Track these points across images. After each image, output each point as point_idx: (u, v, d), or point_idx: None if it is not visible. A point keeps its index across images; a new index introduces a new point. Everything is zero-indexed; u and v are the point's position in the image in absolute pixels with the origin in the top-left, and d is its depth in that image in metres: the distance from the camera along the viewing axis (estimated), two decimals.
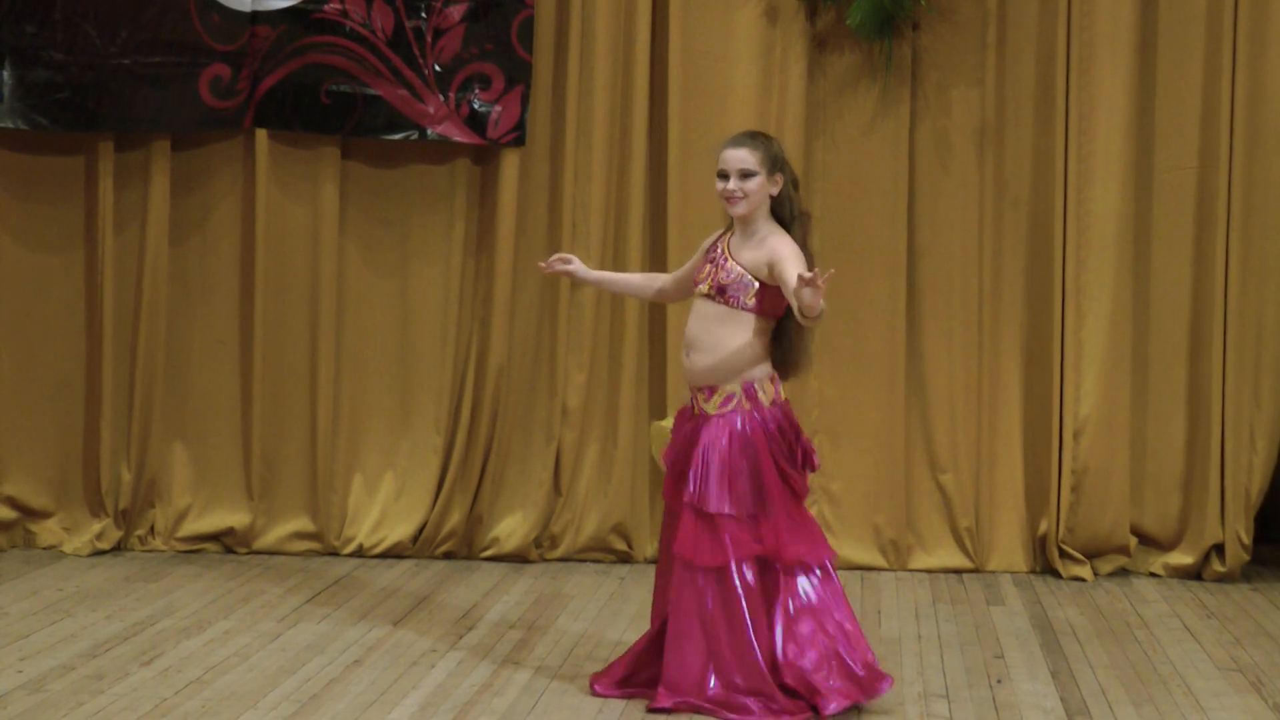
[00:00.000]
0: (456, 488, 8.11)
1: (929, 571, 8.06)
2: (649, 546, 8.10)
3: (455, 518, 8.10)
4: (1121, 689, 6.14)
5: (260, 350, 8.11)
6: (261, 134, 8.04)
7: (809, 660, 5.76)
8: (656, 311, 8.07)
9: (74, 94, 7.97)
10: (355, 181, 8.18)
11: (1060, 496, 7.98)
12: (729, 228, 5.97)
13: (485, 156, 8.11)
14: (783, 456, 5.80)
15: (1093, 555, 8.01)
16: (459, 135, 8.00)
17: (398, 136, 8.02)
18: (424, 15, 7.96)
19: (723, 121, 8.04)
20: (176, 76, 7.97)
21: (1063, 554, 7.98)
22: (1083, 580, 7.91)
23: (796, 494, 5.85)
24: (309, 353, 8.16)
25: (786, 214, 5.86)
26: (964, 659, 6.52)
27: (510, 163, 8.01)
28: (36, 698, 5.76)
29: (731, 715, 5.69)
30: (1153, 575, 8.05)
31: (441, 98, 7.98)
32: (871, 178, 8.08)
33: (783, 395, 5.88)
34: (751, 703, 5.70)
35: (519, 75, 7.98)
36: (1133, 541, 8.05)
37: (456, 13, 7.96)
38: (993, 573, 8.06)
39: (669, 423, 6.06)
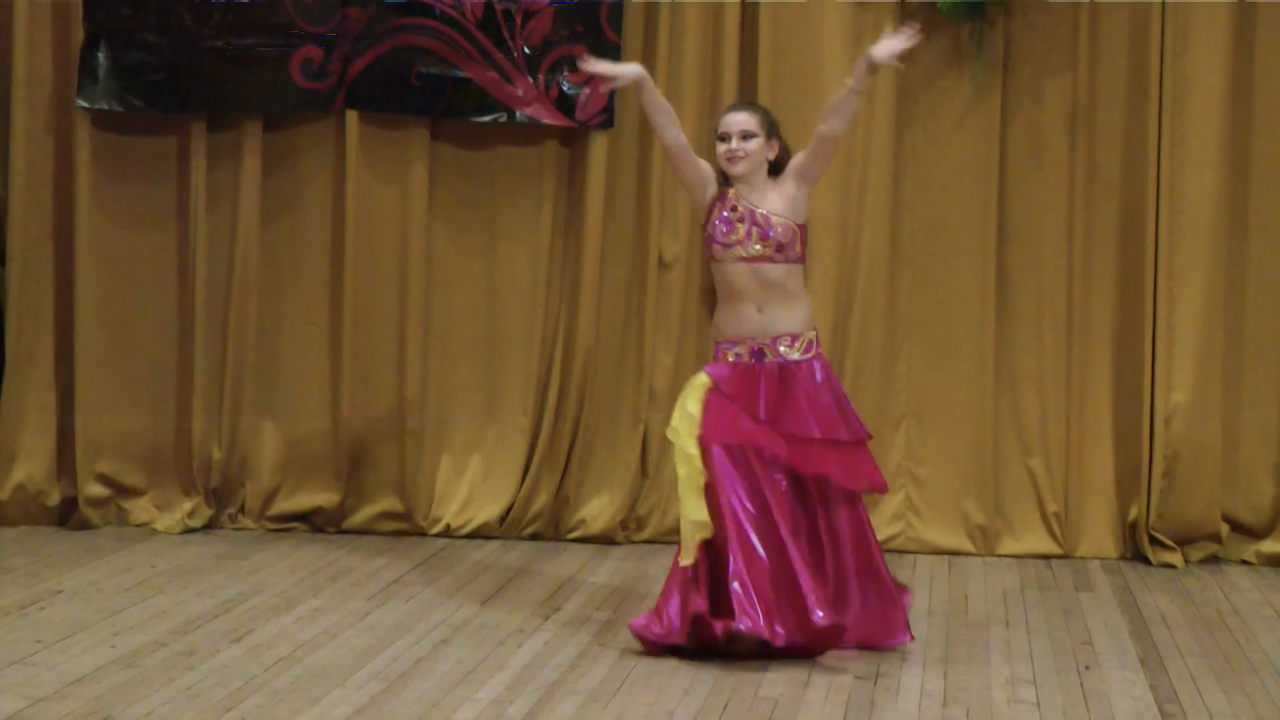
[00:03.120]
0: (544, 469, 8.13)
1: (1017, 557, 8.01)
2: None
3: (542, 499, 8.12)
4: (1212, 677, 6.08)
5: (349, 331, 8.16)
6: (352, 115, 8.08)
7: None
8: None
9: (168, 76, 8.03)
10: (444, 163, 8.20)
11: (1151, 482, 7.91)
12: (723, 188, 6.29)
13: (574, 139, 8.12)
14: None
15: (1184, 542, 7.93)
16: (548, 117, 8.01)
17: (487, 119, 8.04)
18: None
19: (812, 107, 7.98)
20: (268, 58, 8.02)
21: (1153, 541, 7.91)
22: (1173, 567, 7.84)
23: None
24: (397, 334, 8.20)
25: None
26: (1052, 645, 6.48)
27: (599, 145, 8.01)
28: (129, 673, 5.82)
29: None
30: (1245, 563, 7.96)
31: (530, 80, 7.99)
32: (962, 162, 8.03)
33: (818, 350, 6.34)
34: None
35: (608, 57, 7.95)
36: (1225, 529, 7.97)
37: None
38: (1082, 559, 8.00)
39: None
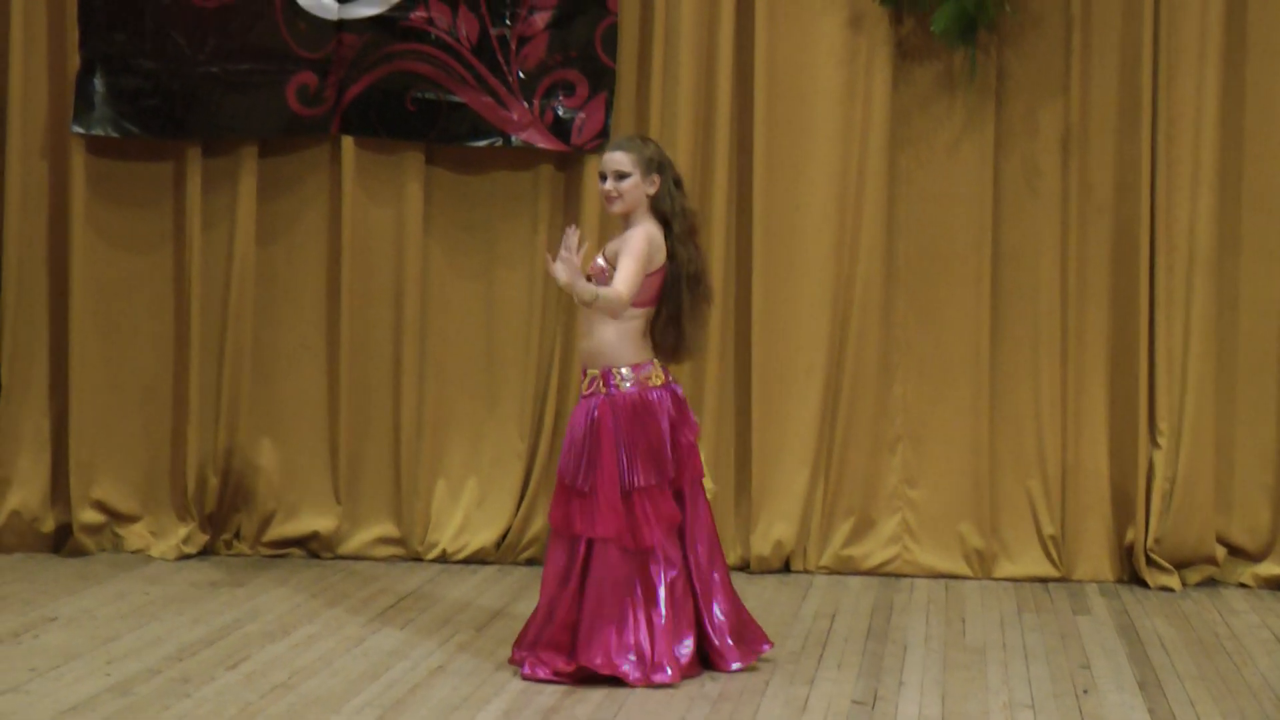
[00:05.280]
0: (540, 494, 8.12)
1: (1014, 580, 8.00)
2: (731, 554, 8.09)
3: (538, 524, 8.10)
4: (1210, 700, 6.07)
5: (346, 355, 8.15)
6: (347, 141, 8.08)
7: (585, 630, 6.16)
8: (742, 315, 8.07)
9: (163, 101, 8.04)
10: (440, 187, 8.21)
11: (1149, 505, 7.91)
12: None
13: (568, 163, 8.13)
14: (626, 441, 6.17)
15: (1181, 565, 7.92)
16: (543, 142, 8.02)
17: (482, 143, 8.05)
18: (508, 23, 7.98)
19: (808, 129, 8.03)
20: (264, 84, 8.03)
21: (1150, 563, 7.91)
22: (1170, 590, 7.83)
23: (633, 477, 6.17)
24: (393, 357, 8.20)
25: (666, 209, 6.26)
26: (1050, 669, 6.47)
27: (594, 169, 7.98)
28: (124, 700, 5.81)
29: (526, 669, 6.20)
30: (1242, 586, 7.96)
31: (526, 105, 8.00)
32: (956, 185, 8.04)
33: (656, 380, 6.24)
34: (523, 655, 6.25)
35: (602, 82, 7.99)
36: (1221, 552, 7.96)
37: (541, 20, 7.98)
38: (1079, 582, 7.99)
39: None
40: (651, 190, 6.26)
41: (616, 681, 6.08)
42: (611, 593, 6.15)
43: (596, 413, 6.19)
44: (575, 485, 6.20)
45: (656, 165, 6.28)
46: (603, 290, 6.07)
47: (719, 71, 8.01)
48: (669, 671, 6.11)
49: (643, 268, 6.15)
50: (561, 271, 6.01)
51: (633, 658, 6.11)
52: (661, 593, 6.17)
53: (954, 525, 8.07)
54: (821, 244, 8.04)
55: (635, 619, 6.15)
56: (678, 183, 6.34)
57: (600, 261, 6.28)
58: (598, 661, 6.10)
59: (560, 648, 6.17)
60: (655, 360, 6.30)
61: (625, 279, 6.11)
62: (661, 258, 6.24)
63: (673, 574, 6.22)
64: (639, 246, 6.17)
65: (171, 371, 8.26)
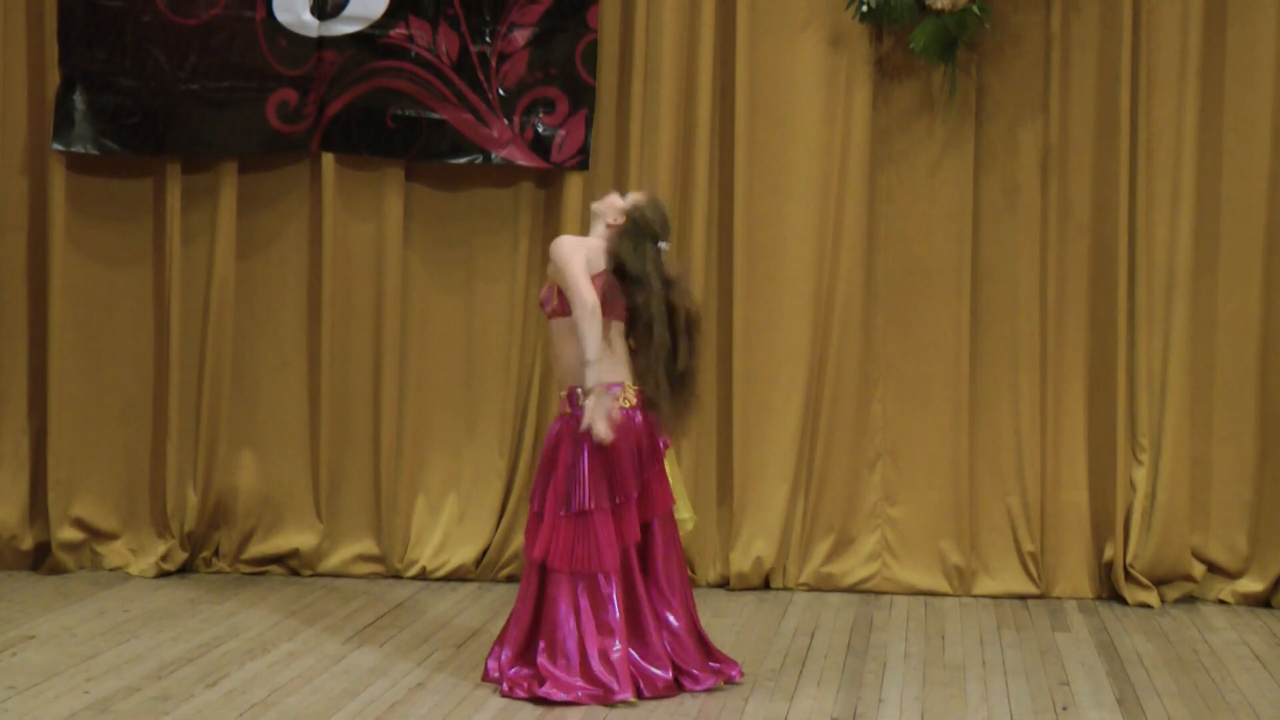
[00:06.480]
0: (519, 510, 8.11)
1: (993, 597, 8.01)
2: (711, 570, 8.10)
3: (518, 541, 8.10)
4: (1189, 717, 6.08)
5: (326, 371, 8.15)
6: (327, 157, 8.08)
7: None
8: (723, 332, 8.07)
9: (144, 118, 8.04)
10: (420, 204, 8.21)
11: (1129, 522, 7.92)
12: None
13: (549, 180, 8.13)
14: (581, 461, 6.14)
15: (1160, 582, 7.94)
16: (523, 159, 8.03)
17: (462, 160, 8.05)
18: (489, 40, 7.99)
19: (788, 147, 8.04)
20: (244, 101, 8.02)
21: (1129, 580, 7.92)
22: (1149, 607, 7.85)
23: (586, 499, 6.14)
24: (373, 373, 8.19)
25: (634, 269, 6.24)
26: (1029, 686, 6.48)
27: (574, 186, 8.03)
28: (103, 718, 5.79)
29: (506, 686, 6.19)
30: (1221, 602, 7.97)
31: (506, 122, 8.01)
32: (936, 203, 8.05)
33: (626, 402, 6.21)
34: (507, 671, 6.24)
35: (583, 99, 8.00)
36: (1200, 568, 7.98)
37: (521, 37, 7.99)
38: (1058, 599, 8.00)
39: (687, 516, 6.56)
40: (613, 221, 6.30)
41: None
42: (561, 618, 6.12)
43: (557, 433, 6.21)
44: (534, 508, 6.24)
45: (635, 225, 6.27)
46: (587, 344, 6.05)
47: (699, 89, 8.02)
48: (627, 691, 6.06)
49: (580, 267, 6.13)
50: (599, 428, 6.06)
51: (588, 684, 6.07)
52: (618, 615, 6.13)
53: (934, 542, 8.08)
54: (802, 262, 8.05)
55: (587, 643, 6.11)
56: (659, 252, 6.30)
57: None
58: (553, 690, 6.07)
59: (532, 668, 6.15)
60: (626, 381, 6.27)
61: (574, 288, 6.09)
62: (600, 261, 6.22)
63: (631, 596, 6.19)
64: (567, 254, 6.15)
65: (151, 388, 8.25)
